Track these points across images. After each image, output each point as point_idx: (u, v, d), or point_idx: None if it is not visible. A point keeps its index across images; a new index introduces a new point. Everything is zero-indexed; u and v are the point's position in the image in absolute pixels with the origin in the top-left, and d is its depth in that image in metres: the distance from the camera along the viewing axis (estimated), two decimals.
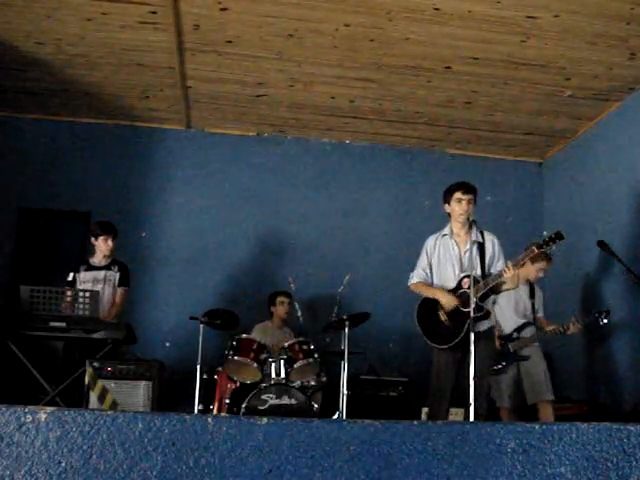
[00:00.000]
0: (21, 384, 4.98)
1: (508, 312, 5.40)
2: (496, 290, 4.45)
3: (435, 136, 7.20)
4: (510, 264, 4.31)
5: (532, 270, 5.39)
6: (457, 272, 4.49)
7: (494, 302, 5.32)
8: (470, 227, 4.45)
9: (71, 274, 5.49)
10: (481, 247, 4.48)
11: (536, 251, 4.37)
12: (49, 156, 6.87)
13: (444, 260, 4.54)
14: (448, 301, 4.38)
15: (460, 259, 4.51)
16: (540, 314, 5.56)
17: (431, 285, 4.56)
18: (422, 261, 4.64)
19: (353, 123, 6.95)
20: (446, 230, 4.62)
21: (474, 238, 4.46)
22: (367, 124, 6.95)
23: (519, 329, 5.34)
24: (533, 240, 5.40)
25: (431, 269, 4.58)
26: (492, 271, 4.45)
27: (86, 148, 6.96)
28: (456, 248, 4.53)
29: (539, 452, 1.80)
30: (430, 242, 4.63)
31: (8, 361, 4.94)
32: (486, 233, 4.53)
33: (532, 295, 5.48)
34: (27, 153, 6.82)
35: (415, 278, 4.62)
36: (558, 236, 4.33)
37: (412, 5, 4.81)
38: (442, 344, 4.38)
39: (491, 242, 4.54)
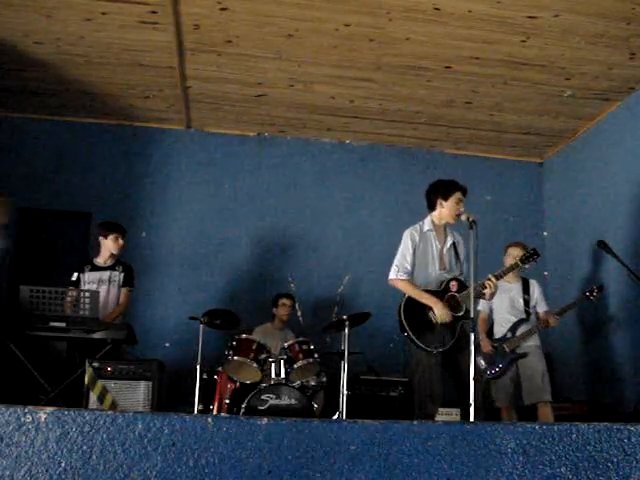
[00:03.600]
0: (21, 384, 4.97)
1: (502, 314, 5.38)
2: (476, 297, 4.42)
3: (435, 136, 7.19)
4: (492, 277, 4.32)
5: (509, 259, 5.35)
6: (437, 270, 4.42)
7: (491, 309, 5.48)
8: (470, 227, 4.42)
9: (75, 274, 5.47)
10: (455, 247, 4.50)
11: (520, 265, 4.65)
12: (49, 156, 6.87)
13: (424, 256, 4.43)
14: (443, 315, 4.23)
15: (440, 257, 4.45)
16: (542, 309, 5.42)
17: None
18: (407, 255, 4.40)
19: (353, 123, 6.94)
20: (428, 225, 4.49)
21: (454, 238, 4.51)
22: (367, 124, 6.95)
23: (513, 328, 5.29)
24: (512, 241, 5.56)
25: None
26: (464, 271, 4.50)
27: (86, 148, 6.96)
28: (437, 245, 4.47)
29: (539, 452, 1.79)
30: (415, 235, 4.44)
31: (8, 361, 4.93)
32: (456, 234, 4.53)
33: (526, 291, 5.42)
34: (27, 153, 6.81)
35: (402, 274, 4.38)
36: (535, 253, 4.68)
37: (412, 5, 4.82)
38: (435, 347, 4.24)
39: (463, 243, 4.54)
